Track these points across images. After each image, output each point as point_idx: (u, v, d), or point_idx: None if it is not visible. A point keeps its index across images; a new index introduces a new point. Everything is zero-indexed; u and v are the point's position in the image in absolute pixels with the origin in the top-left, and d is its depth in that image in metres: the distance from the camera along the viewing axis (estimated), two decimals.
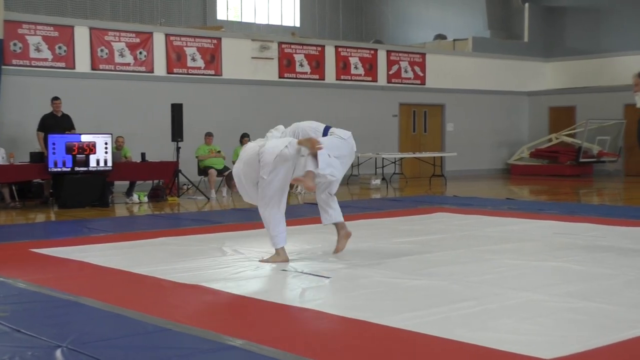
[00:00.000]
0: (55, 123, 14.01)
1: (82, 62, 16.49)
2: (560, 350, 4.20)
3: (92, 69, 16.61)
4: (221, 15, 25.27)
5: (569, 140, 22.48)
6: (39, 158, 13.50)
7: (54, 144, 13.21)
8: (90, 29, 16.66)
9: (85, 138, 13.57)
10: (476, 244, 8.31)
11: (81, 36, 16.47)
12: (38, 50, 15.97)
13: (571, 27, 24.27)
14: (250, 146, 7.20)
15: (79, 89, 16.26)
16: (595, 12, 23.59)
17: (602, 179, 20.73)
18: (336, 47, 20.49)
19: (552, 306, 5.28)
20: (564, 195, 15.74)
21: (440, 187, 18.21)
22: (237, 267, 7.04)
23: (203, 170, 15.63)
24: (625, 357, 4.23)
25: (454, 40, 24.10)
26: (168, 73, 17.60)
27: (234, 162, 15.96)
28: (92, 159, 13.54)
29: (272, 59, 19.13)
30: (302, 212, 12.15)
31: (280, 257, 7.16)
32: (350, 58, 20.58)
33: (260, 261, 7.21)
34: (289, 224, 10.10)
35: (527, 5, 24.44)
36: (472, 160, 22.93)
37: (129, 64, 17.02)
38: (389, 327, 4.75)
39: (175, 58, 17.68)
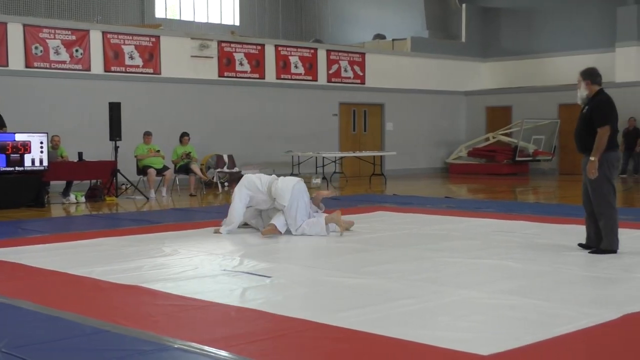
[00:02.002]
0: None
1: (16, 60, 16.12)
2: (497, 347, 4.27)
3: (26, 66, 16.26)
4: (159, 13, 25.02)
5: (506, 139, 22.88)
6: None
7: None
8: (24, 25, 16.30)
9: (19, 137, 13.29)
10: (415, 243, 8.41)
11: (14, 33, 16.10)
12: None
13: (506, 28, 24.70)
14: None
15: (13, 87, 15.90)
16: (528, 13, 24.06)
17: (537, 178, 21.15)
18: (276, 46, 20.47)
19: (489, 303, 5.37)
20: (501, 194, 16.01)
21: (380, 186, 18.35)
22: (176, 267, 6.99)
23: (142, 170, 15.45)
24: (560, 352, 4.33)
25: (393, 40, 24.29)
26: (105, 71, 17.35)
27: (173, 162, 15.89)
28: (27, 159, 13.26)
29: (212, 57, 19.01)
30: None
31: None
32: (290, 57, 20.58)
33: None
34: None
35: (464, 6, 24.78)
36: (411, 159, 23.16)
37: (64, 62, 16.72)
38: (329, 326, 4.77)
39: (113, 56, 17.43)
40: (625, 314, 5.01)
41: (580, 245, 7.77)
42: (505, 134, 23.03)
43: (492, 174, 21.94)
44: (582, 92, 7.63)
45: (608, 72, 21.38)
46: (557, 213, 11.28)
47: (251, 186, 9.18)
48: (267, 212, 9.27)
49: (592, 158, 7.30)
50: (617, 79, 21.16)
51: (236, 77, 19.48)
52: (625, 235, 8.66)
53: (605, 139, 7.31)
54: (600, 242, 7.54)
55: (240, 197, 9.19)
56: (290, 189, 8.95)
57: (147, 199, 14.63)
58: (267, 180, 9.20)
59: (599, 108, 7.43)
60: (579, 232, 9.04)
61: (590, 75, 7.62)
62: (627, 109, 20.71)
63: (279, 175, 9.49)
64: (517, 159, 22.07)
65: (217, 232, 9.28)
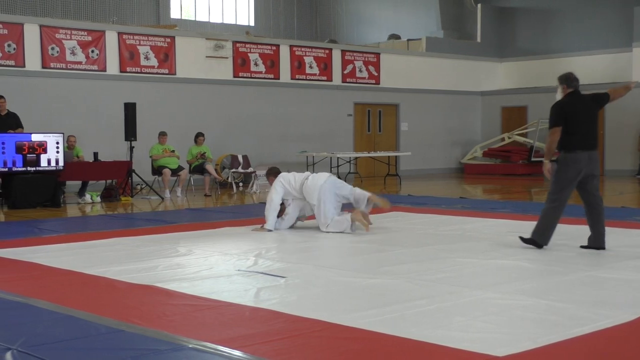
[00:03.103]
0: (0, 122, 13.72)
1: (33, 61, 16.22)
2: (512, 348, 4.26)
3: (43, 67, 16.36)
4: (175, 13, 25.09)
5: (521, 139, 22.78)
6: None
7: (3, 143, 12.98)
8: (41, 26, 16.40)
9: (35, 137, 13.37)
10: (430, 243, 8.38)
11: (31, 34, 16.20)
12: None
13: (522, 28, 24.60)
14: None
15: (30, 87, 16.00)
16: (544, 13, 23.95)
17: None
18: (291, 46, 20.48)
19: (505, 304, 5.35)
20: (517, 194, 15.95)
21: (395, 186, 18.32)
22: (191, 267, 7.01)
23: (157, 170, 15.50)
24: (575, 353, 4.31)
25: (408, 40, 24.25)
26: (121, 72, 17.42)
27: (188, 162, 15.93)
28: (43, 159, 13.34)
29: (227, 58, 19.04)
30: (257, 211, 12.13)
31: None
32: (305, 57, 20.59)
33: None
34: (243, 223, 10.10)
35: (479, 5, 24.70)
36: (426, 160, 23.11)
37: (80, 63, 16.80)
38: (344, 326, 4.77)
39: (128, 56, 17.50)
40: None
41: (582, 247, 7.88)
42: (521, 134, 22.93)
43: (508, 174, 21.85)
44: (558, 96, 7.90)
45: (625, 72, 21.39)
46: (572, 214, 11.20)
47: (285, 181, 9.54)
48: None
49: (544, 160, 7.78)
50: (634, 79, 21.00)
51: (251, 77, 19.50)
52: None
53: (550, 140, 7.66)
54: (602, 241, 7.77)
55: (276, 190, 9.50)
56: (318, 188, 9.27)
57: (162, 199, 14.68)
58: (301, 178, 9.55)
59: (550, 111, 7.75)
60: None
61: (566, 79, 7.86)
62: None
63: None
64: (533, 159, 21.95)
65: (258, 229, 9.51)
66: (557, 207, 7.75)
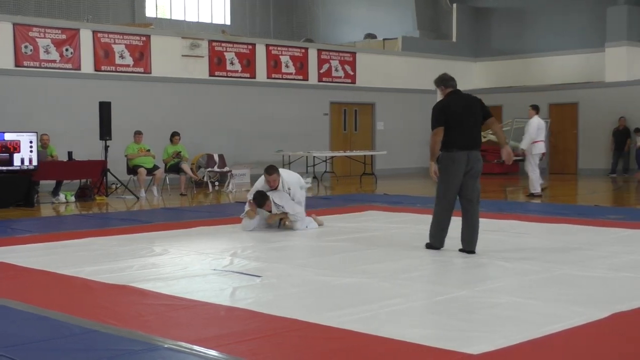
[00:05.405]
0: None
1: (5, 59, 16.06)
2: (486, 346, 4.28)
3: (16, 65, 16.20)
4: (150, 12, 24.95)
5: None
6: None
7: None
8: (14, 24, 16.24)
9: (8, 136, 13.24)
10: (405, 242, 8.41)
11: (4, 32, 16.04)
12: None
13: (497, 28, 24.75)
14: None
15: (2, 86, 15.84)
16: (519, 13, 24.11)
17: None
18: (267, 45, 20.45)
19: (479, 302, 5.38)
20: (491, 193, 16.04)
21: (371, 185, 18.36)
22: (166, 267, 6.98)
23: (132, 169, 15.41)
24: (550, 351, 4.34)
25: (384, 39, 24.29)
26: (96, 70, 17.29)
27: (164, 161, 15.86)
28: (17, 158, 13.22)
29: (203, 57, 18.98)
30: (232, 211, 12.10)
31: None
32: (281, 57, 20.57)
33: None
34: (219, 222, 10.06)
35: (455, 5, 24.81)
36: (402, 159, 23.15)
37: (54, 61, 16.66)
38: (319, 325, 4.77)
39: (103, 55, 17.38)
40: (614, 313, 5.03)
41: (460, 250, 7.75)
42: None
43: (483, 173, 21.80)
44: (438, 98, 8.01)
45: (598, 72, 21.59)
46: (546, 212, 11.31)
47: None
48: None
49: (429, 161, 7.68)
50: (607, 78, 21.24)
51: (227, 76, 19.45)
52: (615, 235, 8.72)
53: (433, 141, 7.55)
54: (472, 246, 7.59)
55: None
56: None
57: (138, 198, 14.60)
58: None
59: (431, 113, 7.71)
60: (568, 231, 9.10)
61: (442, 81, 7.96)
62: (617, 108, 20.84)
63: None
64: None
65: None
66: (445, 207, 7.70)
